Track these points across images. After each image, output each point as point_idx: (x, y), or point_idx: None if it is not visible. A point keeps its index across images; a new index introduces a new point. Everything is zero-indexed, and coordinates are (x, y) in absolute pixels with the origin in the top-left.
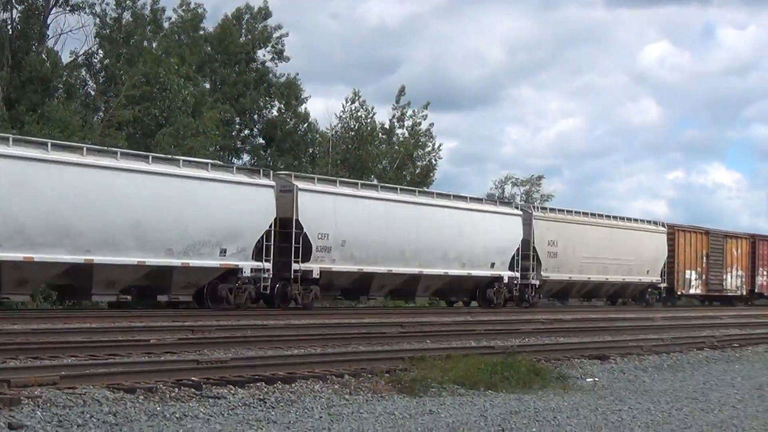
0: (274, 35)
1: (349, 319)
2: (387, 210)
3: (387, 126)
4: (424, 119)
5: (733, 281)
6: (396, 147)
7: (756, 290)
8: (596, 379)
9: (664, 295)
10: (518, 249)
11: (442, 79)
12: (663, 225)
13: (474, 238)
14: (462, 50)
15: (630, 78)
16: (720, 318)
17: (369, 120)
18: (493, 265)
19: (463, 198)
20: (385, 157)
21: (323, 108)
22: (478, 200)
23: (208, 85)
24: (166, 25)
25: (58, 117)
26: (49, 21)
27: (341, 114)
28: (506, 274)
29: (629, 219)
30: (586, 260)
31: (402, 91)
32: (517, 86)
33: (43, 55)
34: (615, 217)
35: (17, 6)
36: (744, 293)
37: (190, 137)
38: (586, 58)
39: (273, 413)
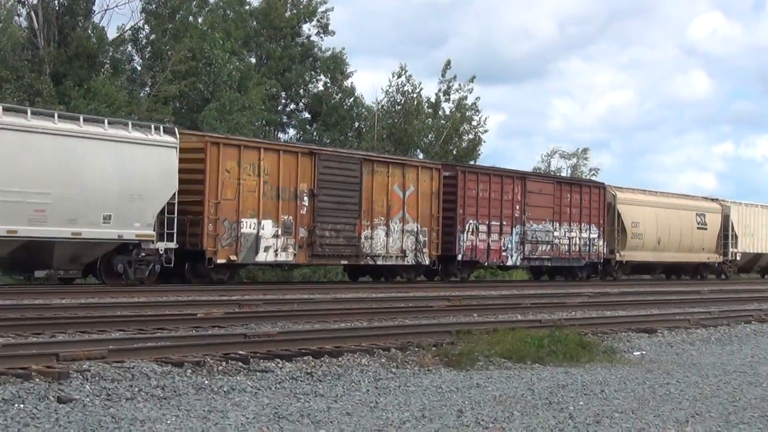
0: (320, 9)
1: (395, 293)
2: None
3: (433, 100)
4: (470, 93)
5: (393, 241)
6: (442, 121)
7: (462, 257)
8: (643, 352)
9: (170, 265)
10: None
11: (491, 53)
12: (170, 131)
13: None
14: (511, 24)
15: (680, 50)
16: None
17: (415, 94)
18: None
19: None
20: (431, 131)
21: (372, 82)
22: None
23: (253, 60)
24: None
25: (105, 92)
26: None
27: (387, 88)
28: None
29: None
30: None
31: (448, 64)
32: (566, 59)
33: (89, 31)
34: None
35: None
36: (425, 261)
37: (237, 112)
38: (635, 30)
39: (320, 387)
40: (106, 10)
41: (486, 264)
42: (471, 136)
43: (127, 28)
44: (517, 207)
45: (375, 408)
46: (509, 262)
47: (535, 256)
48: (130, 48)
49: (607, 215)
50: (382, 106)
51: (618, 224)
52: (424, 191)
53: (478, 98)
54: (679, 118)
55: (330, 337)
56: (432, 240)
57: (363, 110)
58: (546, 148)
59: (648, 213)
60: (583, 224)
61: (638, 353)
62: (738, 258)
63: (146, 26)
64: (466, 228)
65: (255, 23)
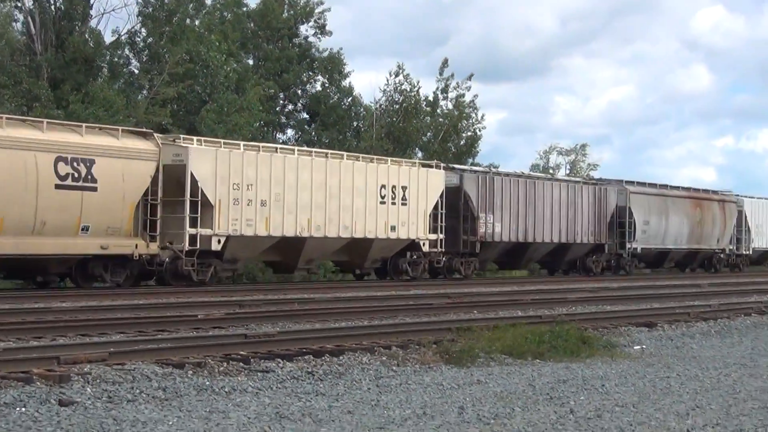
0: (317, 10)
1: (395, 291)
2: None
3: (431, 98)
4: (468, 90)
5: None
6: (440, 119)
7: None
8: (644, 346)
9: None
10: None
11: (493, 50)
12: None
13: None
14: (513, 21)
15: (682, 44)
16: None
17: (413, 93)
18: None
19: None
20: (430, 129)
21: (372, 82)
22: None
23: (251, 62)
24: (208, 2)
25: (103, 96)
26: (92, 0)
27: (385, 87)
28: None
29: None
30: None
31: (445, 63)
32: (568, 56)
33: (87, 35)
34: None
35: None
36: None
37: (234, 113)
38: (637, 25)
39: (321, 386)
40: (102, 14)
41: None
42: (469, 134)
43: (123, 31)
44: None
45: (376, 406)
46: None
47: None
48: (127, 51)
49: None
50: (381, 105)
51: None
52: None
53: (476, 96)
54: (681, 112)
55: (331, 336)
56: None
57: (361, 110)
58: (547, 145)
59: None
60: None
61: (638, 347)
62: (216, 245)
63: (143, 29)
64: None
65: (252, 25)
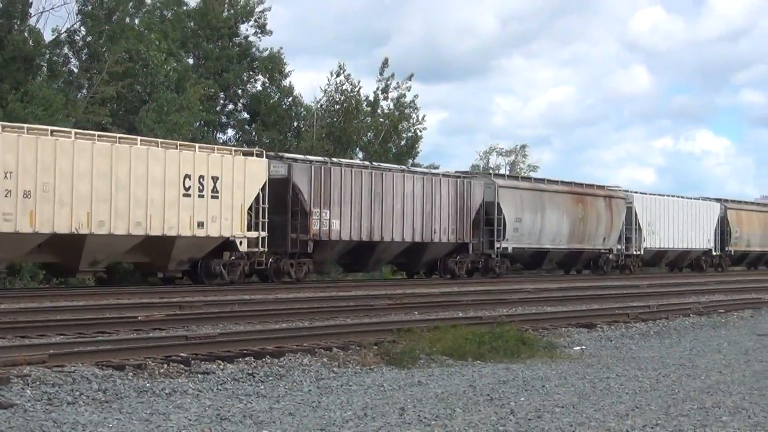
0: (257, 9)
1: (336, 292)
2: None
3: (372, 99)
4: (409, 91)
5: None
6: (381, 120)
7: None
8: (583, 347)
9: None
10: None
11: (434, 51)
12: None
13: None
14: (454, 21)
15: (621, 45)
16: (705, 284)
17: (354, 93)
18: None
19: None
20: (370, 129)
21: (313, 82)
22: None
23: (191, 61)
24: (148, 0)
25: (42, 95)
26: None
27: (326, 87)
28: None
29: None
30: None
31: (385, 63)
32: (508, 56)
33: (26, 34)
34: None
35: None
36: None
37: (174, 113)
38: (577, 26)
39: (262, 387)
40: (42, 13)
41: None
42: (410, 134)
43: (63, 30)
44: None
45: (317, 408)
46: None
47: None
48: (66, 50)
49: None
50: (321, 105)
51: None
52: None
53: (416, 96)
54: (620, 113)
55: (271, 337)
56: None
57: (302, 110)
58: (487, 145)
59: None
60: None
61: (578, 348)
62: None
63: (83, 28)
64: None
65: (192, 24)
